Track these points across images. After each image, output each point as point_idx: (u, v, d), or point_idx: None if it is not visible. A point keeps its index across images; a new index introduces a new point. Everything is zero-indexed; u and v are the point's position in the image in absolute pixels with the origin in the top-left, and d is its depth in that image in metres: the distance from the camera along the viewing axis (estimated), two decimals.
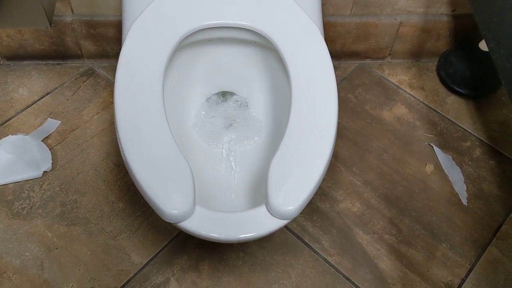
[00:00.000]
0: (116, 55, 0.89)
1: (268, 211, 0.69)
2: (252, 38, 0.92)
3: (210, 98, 1.00)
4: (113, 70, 1.09)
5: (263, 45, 0.93)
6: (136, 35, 0.85)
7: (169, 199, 0.68)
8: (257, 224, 0.69)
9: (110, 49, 1.27)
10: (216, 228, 0.69)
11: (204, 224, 0.68)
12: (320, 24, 0.94)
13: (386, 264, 1.02)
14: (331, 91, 0.81)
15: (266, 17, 0.89)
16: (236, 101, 1.00)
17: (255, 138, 0.94)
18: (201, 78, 1.00)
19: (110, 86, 1.27)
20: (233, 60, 0.99)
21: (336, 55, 1.33)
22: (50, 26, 0.84)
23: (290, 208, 0.69)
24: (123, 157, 0.73)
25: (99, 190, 1.09)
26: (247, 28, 0.88)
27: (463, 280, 1.01)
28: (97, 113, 1.21)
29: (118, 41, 1.23)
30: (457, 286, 1.01)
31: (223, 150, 0.93)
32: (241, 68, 1.00)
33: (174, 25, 0.87)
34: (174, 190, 0.69)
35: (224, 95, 1.01)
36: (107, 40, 1.24)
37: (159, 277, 0.98)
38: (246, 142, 0.94)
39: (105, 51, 1.28)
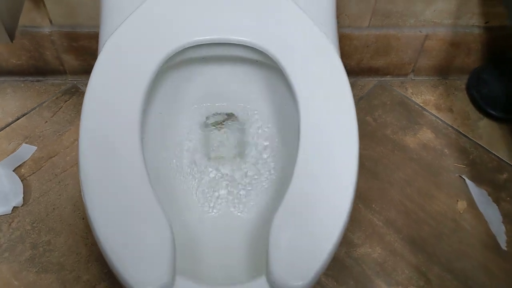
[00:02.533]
0: None
1: (270, 285, 0.53)
2: (253, 56, 0.76)
3: (204, 126, 0.85)
4: None
5: (267, 64, 0.77)
6: (110, 54, 0.70)
7: (141, 271, 0.52)
8: None
9: None
10: None
11: None
12: (334, 37, 0.79)
13: None
14: (349, 121, 0.65)
15: (270, 30, 0.73)
16: (234, 130, 0.84)
17: (255, 177, 0.78)
18: (194, 104, 0.85)
19: None
20: (231, 82, 0.84)
21: (352, 72, 1.18)
22: (12, 41, 0.70)
23: (298, 284, 0.53)
24: (87, 213, 0.58)
25: (76, 229, 0.94)
26: (247, 44, 0.73)
27: None
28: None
29: None
30: None
31: (217, 193, 0.77)
32: (240, 91, 0.85)
33: (159, 41, 0.71)
34: (148, 259, 0.53)
35: (220, 122, 0.85)
36: (92, 54, 1.10)
37: None
38: (244, 183, 0.78)
39: (90, 67, 1.08)
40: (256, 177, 0.79)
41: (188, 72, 0.82)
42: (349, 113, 0.66)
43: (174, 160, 0.80)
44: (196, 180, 0.78)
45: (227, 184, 0.78)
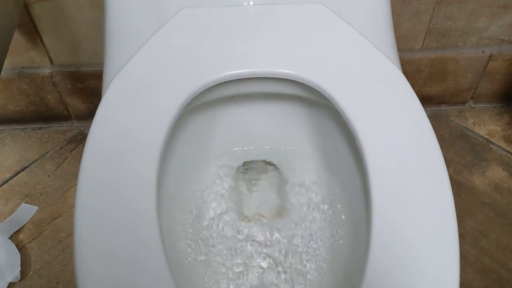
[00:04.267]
0: None
1: None
2: (295, 91, 0.60)
3: (235, 181, 0.68)
4: None
5: (314, 101, 0.61)
6: (117, 95, 0.55)
7: None
8: None
9: None
10: None
11: None
12: (396, 61, 0.62)
13: None
14: (440, 181, 0.48)
15: (317, 58, 0.57)
16: (274, 184, 0.68)
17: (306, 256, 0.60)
18: (221, 152, 0.69)
19: None
20: (267, 125, 0.68)
21: None
22: None
23: None
24: None
25: None
26: (290, 78, 0.56)
27: None
28: None
29: None
30: None
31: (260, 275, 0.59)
32: (279, 136, 0.68)
33: (179, 78, 0.55)
34: None
35: (257, 176, 0.68)
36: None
37: None
38: (292, 262, 0.60)
39: None
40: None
41: (213, 115, 0.66)
42: (438, 167, 0.49)
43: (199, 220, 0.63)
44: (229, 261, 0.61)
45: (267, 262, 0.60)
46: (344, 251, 0.58)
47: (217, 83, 0.55)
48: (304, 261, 0.58)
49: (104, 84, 0.62)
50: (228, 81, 0.56)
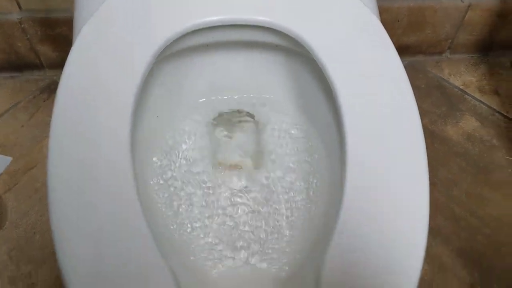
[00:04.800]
0: None
1: None
2: (272, 39, 0.59)
3: (211, 131, 0.68)
4: None
5: (290, 49, 0.60)
6: (88, 43, 0.53)
7: None
8: None
9: None
10: None
11: None
12: (376, 12, 0.61)
13: None
14: (412, 127, 0.49)
15: (294, 6, 0.56)
16: (251, 133, 0.68)
17: (284, 205, 0.61)
18: (197, 101, 0.68)
19: None
20: (243, 74, 0.67)
21: None
22: None
23: None
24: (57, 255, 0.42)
25: None
26: (266, 25, 0.55)
27: None
28: None
29: None
30: None
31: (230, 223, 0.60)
32: (255, 85, 0.68)
33: (152, 25, 0.54)
34: None
35: (233, 125, 0.68)
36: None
37: None
38: (268, 214, 0.61)
39: None
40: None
41: (188, 63, 0.65)
42: (411, 113, 0.49)
43: (177, 179, 0.63)
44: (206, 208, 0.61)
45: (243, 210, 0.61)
46: (320, 199, 0.60)
47: (192, 30, 0.54)
48: (283, 207, 0.59)
49: (75, 31, 0.60)
50: (203, 29, 0.55)
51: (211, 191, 0.62)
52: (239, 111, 0.69)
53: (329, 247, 0.41)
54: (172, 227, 0.57)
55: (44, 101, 0.96)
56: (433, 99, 0.98)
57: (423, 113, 0.95)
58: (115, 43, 0.52)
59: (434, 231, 0.82)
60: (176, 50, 0.58)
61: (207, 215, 0.59)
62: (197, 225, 0.59)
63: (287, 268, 0.54)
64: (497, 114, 0.97)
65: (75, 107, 0.48)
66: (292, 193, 0.61)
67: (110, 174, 0.44)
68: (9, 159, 0.88)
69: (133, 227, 0.41)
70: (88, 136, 0.46)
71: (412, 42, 1.00)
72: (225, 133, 0.68)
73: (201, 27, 0.54)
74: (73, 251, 0.41)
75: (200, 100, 0.69)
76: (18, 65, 0.96)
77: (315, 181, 0.61)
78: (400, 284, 0.41)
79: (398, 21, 0.95)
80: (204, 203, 0.60)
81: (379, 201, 0.44)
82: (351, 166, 0.45)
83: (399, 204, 0.44)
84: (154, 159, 0.63)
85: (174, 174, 0.62)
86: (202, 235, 0.58)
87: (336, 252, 0.41)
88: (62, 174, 0.44)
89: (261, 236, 0.58)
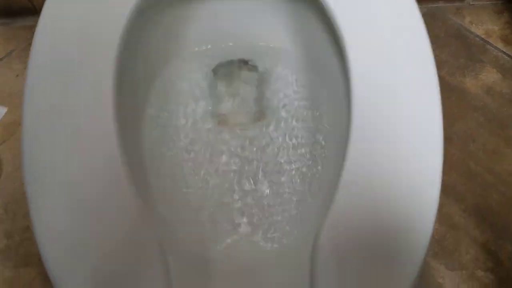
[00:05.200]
0: None
1: None
2: None
3: (210, 81, 0.63)
4: None
5: None
6: None
7: None
8: None
9: None
10: None
11: None
12: None
13: None
14: (427, 78, 0.44)
15: None
16: (252, 84, 0.63)
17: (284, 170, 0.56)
18: (196, 50, 0.63)
19: None
20: (244, 22, 0.62)
21: None
22: None
23: None
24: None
25: None
26: None
27: None
28: None
29: None
30: None
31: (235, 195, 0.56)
32: (256, 33, 0.62)
33: None
34: None
35: (233, 75, 0.63)
36: None
37: None
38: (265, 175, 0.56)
39: None
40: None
41: (186, 11, 0.60)
42: (426, 64, 0.44)
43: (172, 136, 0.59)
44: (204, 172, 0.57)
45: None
46: (324, 155, 0.56)
47: None
48: (284, 161, 0.56)
49: None
50: None
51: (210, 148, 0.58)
52: (240, 61, 0.64)
53: (333, 202, 0.38)
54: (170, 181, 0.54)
55: None
56: (452, 49, 0.92)
57: (441, 64, 0.90)
58: None
59: (448, 188, 0.78)
60: None
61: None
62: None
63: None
64: None
65: (53, 48, 0.44)
66: (298, 151, 0.57)
67: (90, 120, 0.40)
68: (4, 110, 0.85)
69: (112, 179, 0.38)
70: (67, 79, 0.42)
71: None
72: (225, 87, 0.63)
73: None
74: (47, 204, 0.37)
75: (200, 49, 0.64)
76: (10, 11, 0.91)
77: (321, 137, 0.57)
78: (410, 244, 0.38)
79: None
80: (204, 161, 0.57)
81: (388, 156, 0.40)
82: (357, 120, 0.40)
83: (411, 159, 0.40)
84: (150, 110, 0.59)
85: (172, 128, 0.58)
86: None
87: (340, 210, 0.37)
88: (37, 119, 0.40)
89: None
